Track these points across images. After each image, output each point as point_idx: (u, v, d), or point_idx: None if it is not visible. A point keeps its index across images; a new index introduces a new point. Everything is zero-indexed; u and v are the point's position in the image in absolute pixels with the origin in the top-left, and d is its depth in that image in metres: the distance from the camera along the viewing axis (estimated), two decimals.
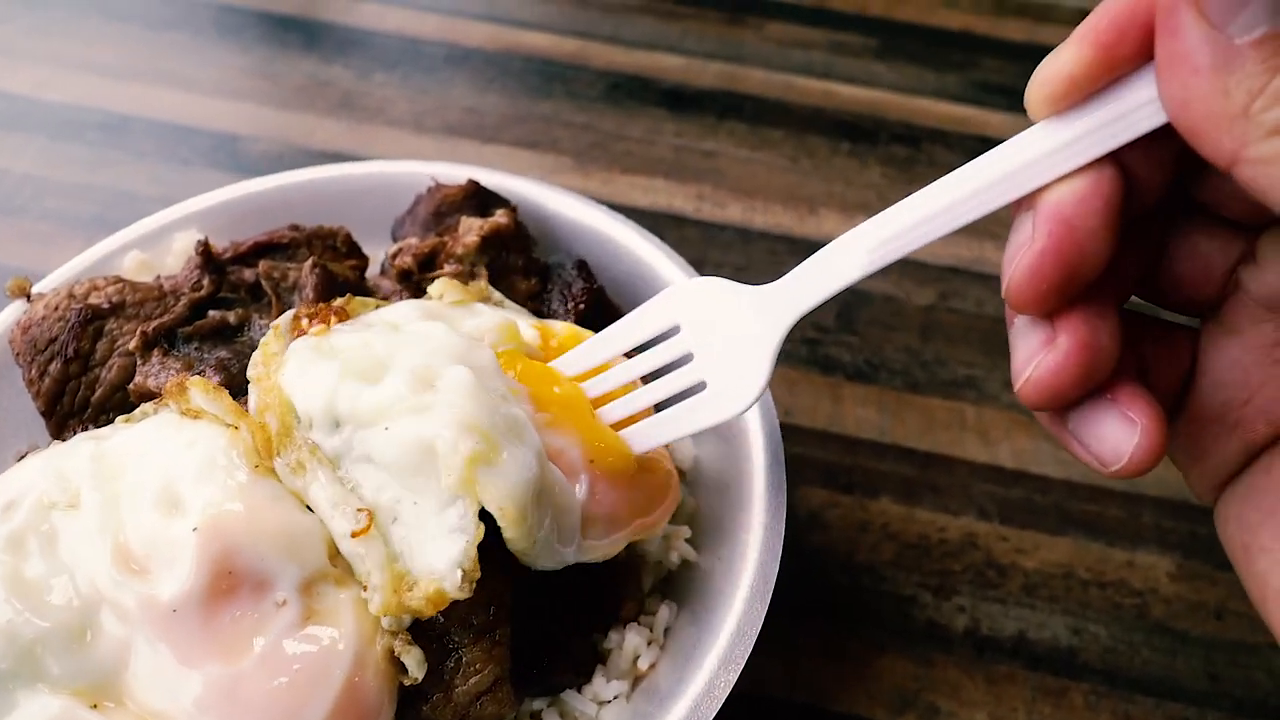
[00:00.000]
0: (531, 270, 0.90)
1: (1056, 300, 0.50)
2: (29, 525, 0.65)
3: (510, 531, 0.64)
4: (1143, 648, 0.98)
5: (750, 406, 0.68)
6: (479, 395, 0.66)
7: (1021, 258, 0.49)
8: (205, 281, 0.84)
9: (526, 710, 0.73)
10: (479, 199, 0.96)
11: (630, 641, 0.74)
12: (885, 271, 1.41)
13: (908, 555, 1.03)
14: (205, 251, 0.86)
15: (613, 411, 0.75)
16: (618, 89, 1.59)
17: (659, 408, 0.73)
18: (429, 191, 0.97)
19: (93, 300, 0.83)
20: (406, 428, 0.64)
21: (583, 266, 0.91)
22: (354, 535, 0.64)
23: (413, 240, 0.90)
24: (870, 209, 1.40)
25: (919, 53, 1.69)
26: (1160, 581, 1.03)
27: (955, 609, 0.99)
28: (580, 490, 0.70)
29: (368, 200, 1.02)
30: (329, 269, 0.83)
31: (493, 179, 1.00)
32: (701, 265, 1.32)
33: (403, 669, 0.64)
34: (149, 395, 0.76)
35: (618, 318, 0.94)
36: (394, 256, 0.89)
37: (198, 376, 0.71)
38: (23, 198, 1.34)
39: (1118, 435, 0.51)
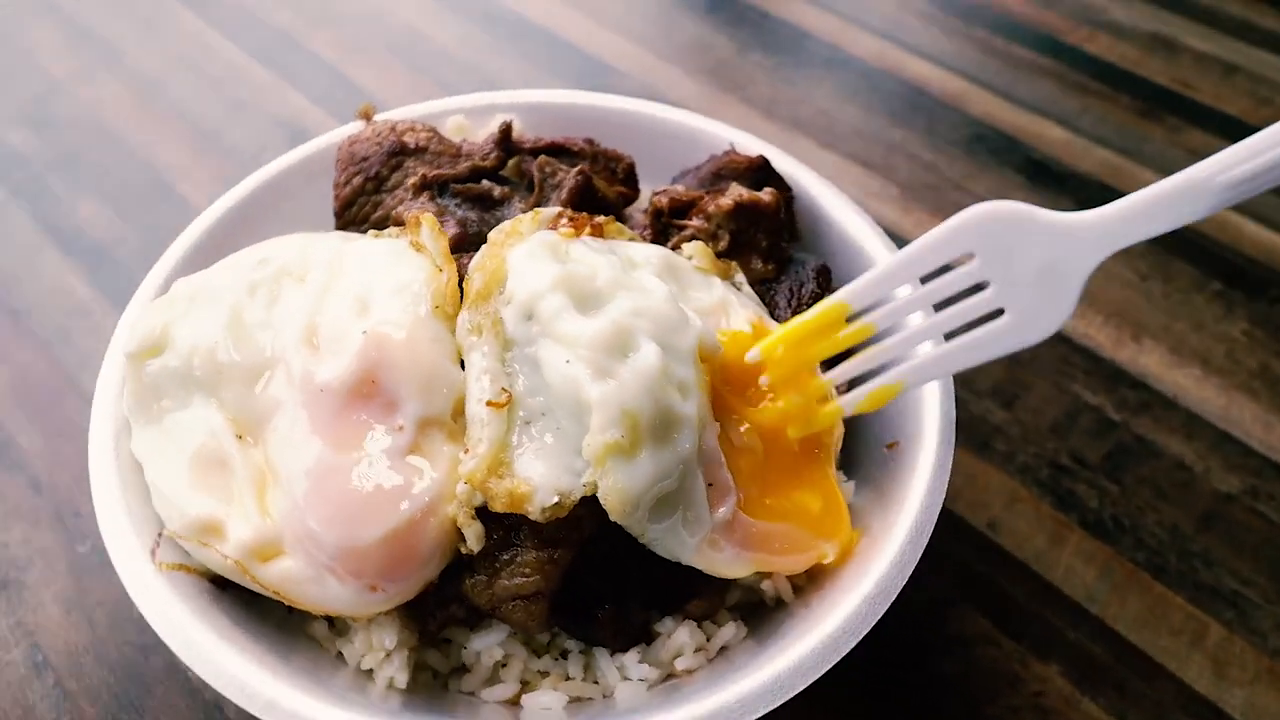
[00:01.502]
0: (772, 256, 0.87)
1: None
2: (264, 281, 0.77)
3: (612, 515, 0.65)
4: None
5: (1055, 331, 0.65)
6: (654, 388, 0.66)
7: None
8: (493, 155, 0.92)
9: (559, 644, 0.73)
10: (762, 175, 0.94)
11: (680, 638, 0.70)
12: (1189, 435, 1.17)
13: None
14: (505, 131, 0.94)
15: (898, 347, 0.72)
16: (980, 141, 1.48)
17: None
18: (723, 154, 0.97)
19: (405, 138, 0.94)
20: (580, 378, 0.66)
21: (823, 272, 0.86)
22: (489, 404, 0.68)
23: (679, 187, 0.91)
24: (1210, 364, 1.18)
25: None
26: None
27: None
28: (723, 510, 0.68)
29: (669, 145, 1.04)
30: (592, 181, 0.87)
31: (785, 164, 0.98)
32: None
33: (463, 539, 0.67)
34: (401, 224, 0.85)
35: None
36: (656, 194, 0.91)
37: (431, 216, 0.78)
38: (430, 64, 1.57)
39: None
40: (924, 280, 0.69)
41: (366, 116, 1.01)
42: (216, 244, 0.91)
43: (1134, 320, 1.23)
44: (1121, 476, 1.06)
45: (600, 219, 0.82)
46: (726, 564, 0.69)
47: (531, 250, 0.74)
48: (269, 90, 1.51)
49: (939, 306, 0.70)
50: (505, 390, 0.68)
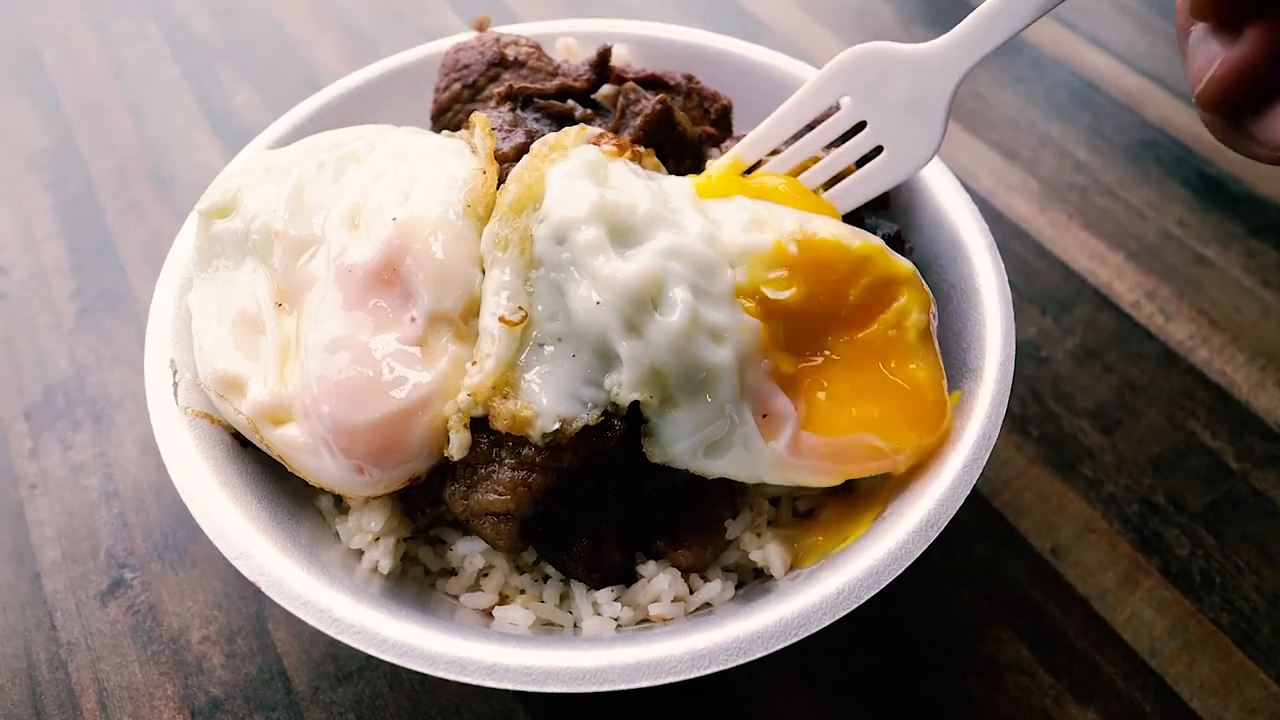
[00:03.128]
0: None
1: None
2: (332, 162, 0.79)
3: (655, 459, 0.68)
4: None
5: (927, 162, 0.72)
6: (685, 344, 0.65)
7: None
8: (585, 77, 0.91)
9: (543, 568, 0.72)
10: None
11: (659, 585, 0.68)
12: None
13: None
14: (603, 55, 0.92)
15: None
16: (1149, 147, 1.33)
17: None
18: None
19: (507, 51, 0.95)
20: (610, 326, 0.65)
21: (894, 240, 0.80)
22: (503, 320, 0.67)
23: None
24: None
25: None
26: None
27: None
28: (782, 440, 0.68)
29: (783, 97, 0.99)
30: (672, 113, 0.84)
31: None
32: (1109, 373, 1.08)
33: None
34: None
35: None
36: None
37: (487, 118, 0.78)
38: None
39: None
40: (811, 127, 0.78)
41: (480, 28, 1.02)
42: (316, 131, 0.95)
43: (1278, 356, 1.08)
44: (1223, 529, 0.94)
45: (640, 149, 0.80)
46: (810, 476, 0.69)
47: (571, 170, 0.72)
48: (428, 6, 1.56)
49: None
50: (522, 309, 0.67)
